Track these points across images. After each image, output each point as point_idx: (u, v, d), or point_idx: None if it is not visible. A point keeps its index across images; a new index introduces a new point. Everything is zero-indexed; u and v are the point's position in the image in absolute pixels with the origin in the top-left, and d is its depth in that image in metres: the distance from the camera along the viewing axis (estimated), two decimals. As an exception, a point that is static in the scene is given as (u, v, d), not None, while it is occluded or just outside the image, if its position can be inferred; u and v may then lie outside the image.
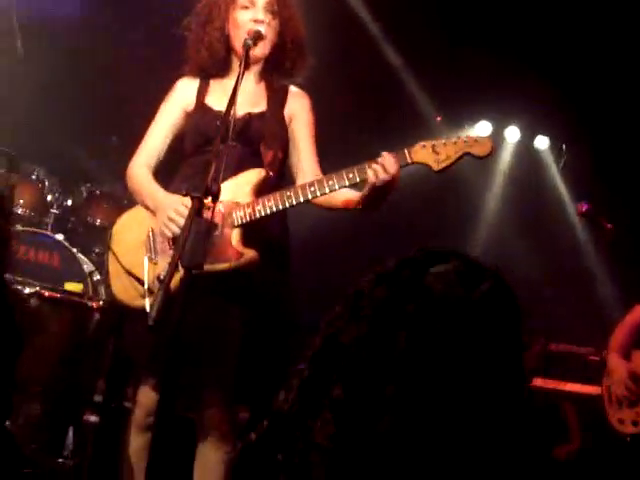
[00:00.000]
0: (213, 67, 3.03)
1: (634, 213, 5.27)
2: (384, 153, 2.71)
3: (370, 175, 2.70)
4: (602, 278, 6.19)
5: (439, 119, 4.97)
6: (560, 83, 5.77)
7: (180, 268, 2.41)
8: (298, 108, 3.04)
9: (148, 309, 2.60)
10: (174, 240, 2.78)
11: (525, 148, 6.78)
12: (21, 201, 4.70)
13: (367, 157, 2.74)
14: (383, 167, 2.69)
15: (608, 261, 6.10)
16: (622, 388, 3.92)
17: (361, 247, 5.99)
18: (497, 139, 6.60)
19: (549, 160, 6.74)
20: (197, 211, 2.43)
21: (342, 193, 2.83)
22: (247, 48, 2.81)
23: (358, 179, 2.74)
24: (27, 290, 3.41)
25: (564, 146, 6.51)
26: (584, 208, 4.29)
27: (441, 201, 6.31)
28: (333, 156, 3.00)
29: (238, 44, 2.90)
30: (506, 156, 6.76)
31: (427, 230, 6.21)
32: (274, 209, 2.77)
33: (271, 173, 2.90)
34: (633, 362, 3.98)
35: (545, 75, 5.68)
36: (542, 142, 6.75)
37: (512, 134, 6.72)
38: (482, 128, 6.36)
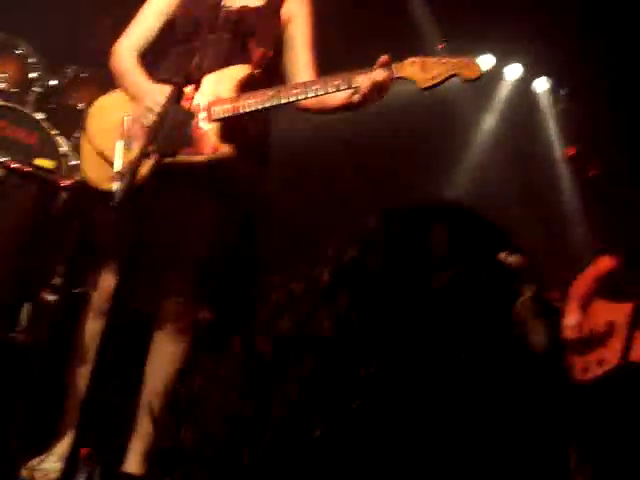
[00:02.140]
0: None
1: (623, 164, 5.23)
2: (376, 64, 2.64)
3: (357, 84, 2.65)
4: (578, 224, 6.20)
5: (441, 47, 4.86)
6: (571, 26, 5.62)
7: (153, 155, 2.36)
8: (297, 9, 2.95)
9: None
10: (150, 127, 2.71)
11: (525, 87, 6.67)
12: (3, 75, 4.57)
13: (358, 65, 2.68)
14: (370, 78, 2.63)
15: (587, 208, 6.10)
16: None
17: (345, 163, 5.93)
18: (498, 74, 6.51)
19: (546, 102, 6.65)
20: (176, 99, 2.36)
21: (328, 96, 2.76)
22: None
23: (344, 87, 2.67)
24: (-6, 161, 3.35)
25: (562, 91, 6.42)
26: (571, 152, 4.27)
27: (431, 129, 6.23)
28: (326, 63, 2.93)
29: None
30: (503, 92, 6.67)
31: (413, 154, 6.15)
32: (255, 107, 2.71)
33: (257, 71, 2.82)
34: (588, 313, 4.02)
35: (558, 18, 5.53)
36: (541, 84, 6.64)
37: (513, 71, 6.60)
38: (484, 61, 6.23)
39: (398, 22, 5.88)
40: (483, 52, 6.33)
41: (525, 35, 5.94)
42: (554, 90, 6.57)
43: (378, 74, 2.64)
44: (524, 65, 6.57)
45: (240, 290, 3.69)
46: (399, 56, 2.73)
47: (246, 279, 3.49)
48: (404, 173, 6.12)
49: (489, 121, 6.68)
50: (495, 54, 6.40)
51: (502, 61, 6.51)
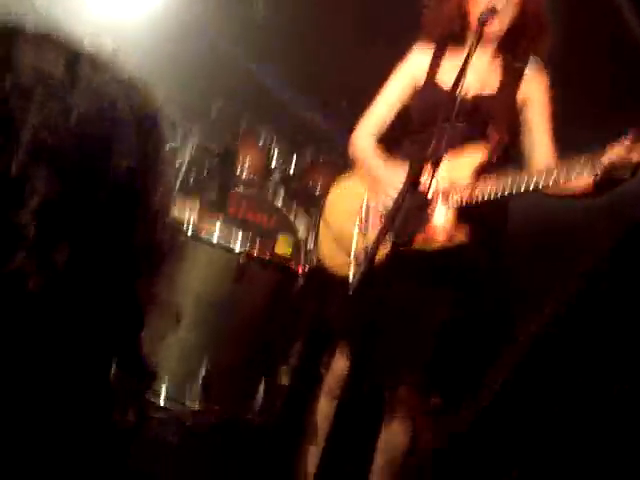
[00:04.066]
0: (448, 42, 2.95)
1: None
2: (622, 144, 2.46)
3: (604, 169, 2.45)
4: None
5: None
6: None
7: (388, 242, 2.37)
8: (534, 90, 2.86)
9: (351, 278, 2.59)
10: (387, 214, 2.75)
11: None
12: (247, 164, 4.84)
13: (589, 146, 2.51)
14: (616, 154, 2.43)
15: None
16: None
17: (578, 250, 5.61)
18: None
19: None
20: (414, 185, 2.37)
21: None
22: (482, 23, 2.66)
23: (588, 171, 2.49)
24: (238, 248, 3.54)
25: None
26: None
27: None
28: (562, 137, 2.82)
29: (474, 20, 2.79)
30: None
31: None
32: (493, 195, 2.65)
33: (494, 156, 2.78)
34: None
35: None
36: None
37: None
38: None
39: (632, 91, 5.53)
40: None
41: None
42: None
43: (625, 150, 2.42)
44: None
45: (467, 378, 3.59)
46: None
47: (477, 367, 3.40)
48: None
49: None
50: None
51: None
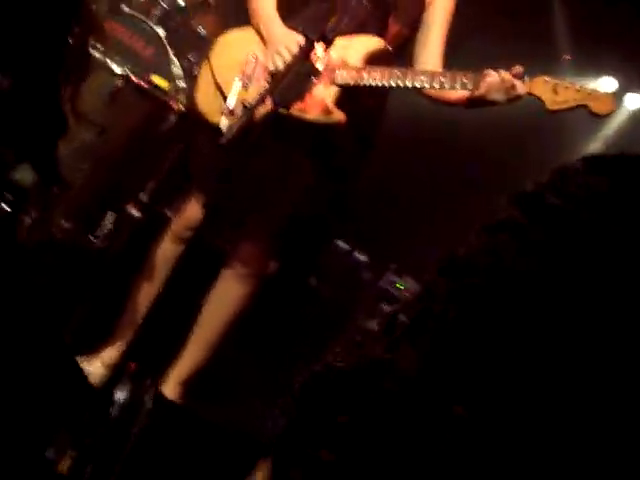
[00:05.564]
0: None
1: None
2: (505, 73, 2.56)
3: (483, 89, 2.55)
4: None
5: (567, 58, 4.68)
6: None
7: (268, 102, 2.37)
8: None
9: (224, 128, 2.57)
10: (273, 74, 2.72)
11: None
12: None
13: (483, 63, 2.60)
14: (499, 77, 2.54)
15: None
16: None
17: (442, 161, 5.81)
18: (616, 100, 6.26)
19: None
20: (305, 54, 2.37)
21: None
22: None
23: (471, 87, 2.58)
24: (117, 70, 3.39)
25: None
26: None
27: (531, 143, 6.03)
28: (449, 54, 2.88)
29: None
30: (616, 122, 6.42)
31: (502, 169, 5.98)
32: (378, 83, 2.68)
33: (390, 46, 2.80)
34: None
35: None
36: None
37: (633, 100, 6.34)
38: (606, 83, 6.01)
39: (535, 26, 5.69)
40: (606, 74, 6.12)
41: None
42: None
43: (507, 78, 2.54)
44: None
45: (308, 251, 3.71)
46: (523, 61, 2.64)
47: (317, 244, 3.51)
48: (491, 186, 5.94)
49: (594, 150, 6.40)
50: (618, 78, 6.16)
51: (624, 87, 6.26)
